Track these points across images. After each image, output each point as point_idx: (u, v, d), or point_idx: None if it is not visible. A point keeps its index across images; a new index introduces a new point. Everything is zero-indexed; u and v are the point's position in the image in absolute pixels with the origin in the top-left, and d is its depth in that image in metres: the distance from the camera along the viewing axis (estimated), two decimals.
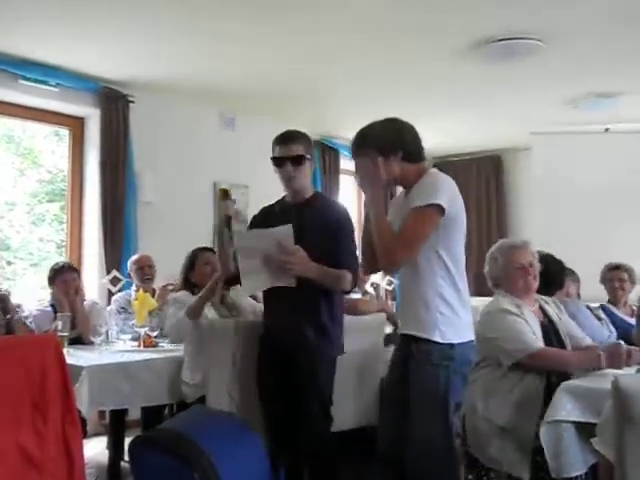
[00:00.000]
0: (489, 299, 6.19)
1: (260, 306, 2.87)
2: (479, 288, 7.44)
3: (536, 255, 2.71)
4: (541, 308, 2.69)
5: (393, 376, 2.21)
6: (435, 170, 2.19)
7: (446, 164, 7.99)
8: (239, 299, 3.32)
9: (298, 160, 2.43)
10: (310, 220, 2.44)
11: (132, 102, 5.06)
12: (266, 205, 2.66)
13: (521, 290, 2.64)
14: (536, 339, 2.48)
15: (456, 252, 2.17)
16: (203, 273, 3.22)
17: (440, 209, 2.06)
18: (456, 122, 6.35)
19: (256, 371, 2.50)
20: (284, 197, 2.59)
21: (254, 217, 2.64)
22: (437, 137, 6.98)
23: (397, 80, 5.06)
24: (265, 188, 2.59)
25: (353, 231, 2.53)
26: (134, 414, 3.80)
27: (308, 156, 2.50)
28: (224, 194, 2.46)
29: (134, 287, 4.20)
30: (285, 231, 2.26)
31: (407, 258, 2.05)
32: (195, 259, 3.26)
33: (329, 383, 2.44)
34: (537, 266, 2.69)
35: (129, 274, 4.34)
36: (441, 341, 2.06)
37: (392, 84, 5.14)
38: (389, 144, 2.14)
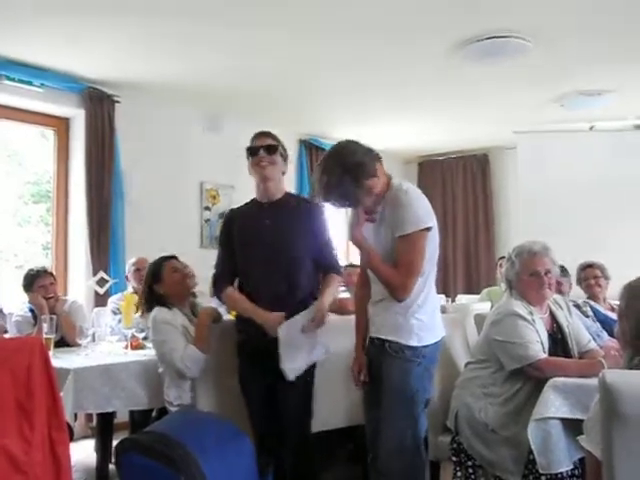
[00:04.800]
0: (476, 297, 6.18)
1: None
2: (468, 286, 7.56)
3: (555, 262, 2.66)
4: (552, 314, 2.68)
5: (369, 375, 2.27)
6: (399, 182, 2.22)
7: (432, 163, 8.05)
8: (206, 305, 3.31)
9: (271, 149, 2.48)
10: (287, 220, 2.46)
11: (117, 102, 5.02)
12: (235, 208, 2.65)
13: (534, 297, 2.61)
14: (541, 349, 2.48)
15: (431, 258, 2.22)
16: (172, 282, 2.96)
17: (427, 230, 2.14)
18: (442, 121, 6.36)
19: (239, 378, 2.50)
20: (254, 199, 2.58)
21: (230, 217, 2.59)
22: (423, 136, 7.00)
23: (382, 80, 5.05)
24: (251, 189, 2.56)
25: (327, 223, 2.57)
26: (122, 416, 3.77)
27: (282, 152, 2.55)
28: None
29: (131, 289, 4.18)
30: (309, 312, 2.36)
31: (414, 284, 2.12)
32: (161, 269, 3.00)
33: (309, 384, 2.47)
34: (555, 273, 2.66)
35: (126, 276, 4.33)
36: (416, 345, 2.15)
37: (377, 84, 5.14)
38: (354, 172, 2.11)
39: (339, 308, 3.53)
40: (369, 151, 2.20)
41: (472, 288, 7.31)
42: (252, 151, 2.48)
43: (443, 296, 6.47)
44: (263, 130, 2.56)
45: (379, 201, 2.21)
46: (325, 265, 2.50)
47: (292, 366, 2.30)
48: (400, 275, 2.09)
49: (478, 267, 7.66)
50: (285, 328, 2.32)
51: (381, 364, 2.17)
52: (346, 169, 2.11)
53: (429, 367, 2.19)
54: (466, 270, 7.76)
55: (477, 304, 4.82)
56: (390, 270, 2.12)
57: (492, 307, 3.79)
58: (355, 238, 2.20)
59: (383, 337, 2.18)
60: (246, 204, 2.62)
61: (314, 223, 2.50)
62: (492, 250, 7.59)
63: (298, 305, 2.39)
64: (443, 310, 4.53)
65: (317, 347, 2.38)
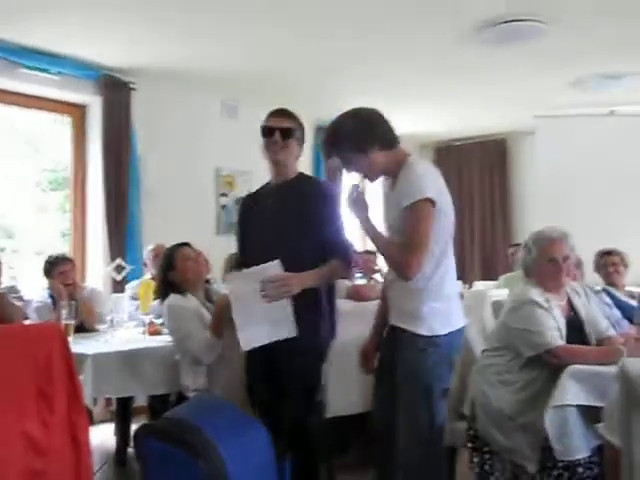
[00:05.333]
0: (493, 283, 6.15)
1: None
2: (485, 273, 7.52)
3: (573, 248, 2.61)
4: (569, 301, 2.66)
5: (383, 360, 2.26)
6: (415, 159, 2.15)
7: (449, 148, 7.98)
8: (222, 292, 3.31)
9: (287, 132, 2.39)
10: (292, 201, 2.38)
11: (134, 89, 5.02)
12: (251, 192, 2.62)
13: (552, 284, 2.58)
14: (559, 337, 2.46)
15: (445, 241, 2.15)
16: (186, 269, 2.96)
17: (430, 202, 2.05)
18: (459, 106, 6.30)
19: (245, 363, 2.48)
20: (269, 181, 2.52)
21: (243, 203, 2.59)
22: (440, 121, 6.95)
23: (399, 65, 5.01)
24: (268, 174, 2.55)
25: (339, 208, 2.42)
26: (140, 401, 3.81)
27: (298, 136, 2.46)
28: None
29: (149, 275, 4.22)
30: (273, 267, 2.17)
31: (423, 260, 2.02)
32: (174, 257, 2.99)
33: (317, 370, 2.40)
34: (573, 260, 2.62)
35: (145, 262, 4.36)
36: (427, 334, 2.10)
37: (395, 69, 5.10)
38: (364, 139, 2.10)
39: (355, 294, 3.53)
40: (386, 131, 2.16)
41: (489, 274, 7.27)
42: (266, 131, 2.39)
43: (460, 282, 6.43)
44: (282, 108, 2.44)
45: (393, 174, 2.15)
46: (331, 252, 2.36)
47: (245, 335, 2.12)
48: (404, 251, 2.00)
49: (495, 254, 7.60)
50: (235, 279, 2.15)
51: (394, 352, 2.15)
52: (367, 133, 2.09)
53: (445, 356, 2.13)
54: (483, 256, 7.71)
55: (494, 290, 4.79)
56: (393, 247, 2.06)
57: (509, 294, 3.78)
58: (358, 214, 2.12)
59: (395, 324, 2.18)
60: (262, 187, 2.58)
61: (324, 207, 2.37)
62: (509, 237, 7.52)
63: (297, 299, 2.23)
64: (460, 297, 4.53)
65: (285, 324, 2.17)
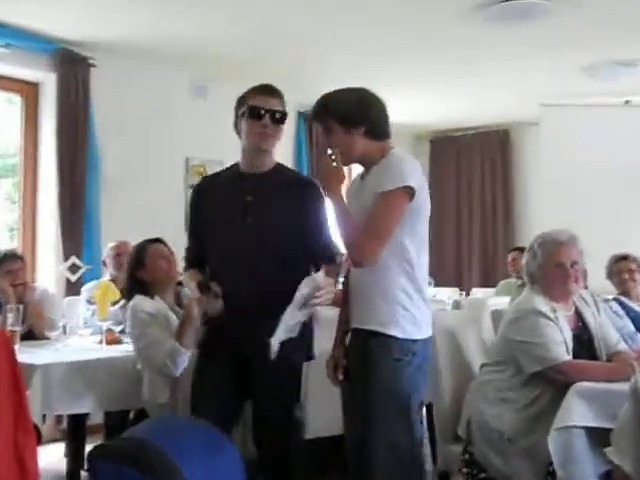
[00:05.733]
0: (492, 290, 6.18)
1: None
2: (484, 279, 7.58)
3: (582, 253, 2.64)
4: (577, 312, 2.68)
5: (350, 371, 2.24)
6: (398, 150, 2.21)
7: (446, 140, 8.03)
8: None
9: (280, 119, 2.38)
10: (278, 198, 2.36)
11: (93, 66, 4.98)
12: (208, 175, 2.58)
13: (558, 292, 2.60)
14: (565, 351, 2.48)
15: (421, 241, 2.19)
16: (156, 268, 2.94)
17: (410, 192, 2.09)
18: (458, 93, 6.34)
19: (195, 379, 2.44)
20: (235, 165, 2.44)
21: (201, 190, 2.46)
22: (437, 109, 6.98)
23: (393, 45, 5.02)
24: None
25: (325, 208, 2.42)
26: (96, 418, 3.78)
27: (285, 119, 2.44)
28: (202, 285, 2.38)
29: (108, 276, 4.18)
30: (320, 277, 2.22)
31: (379, 250, 2.06)
32: (144, 254, 2.97)
33: (295, 388, 2.43)
34: (582, 265, 2.64)
35: (104, 261, 4.33)
36: (402, 337, 2.12)
37: (387, 49, 5.11)
38: (353, 115, 2.17)
39: (339, 301, 3.53)
40: (379, 120, 2.22)
41: (489, 281, 7.32)
42: (255, 112, 2.34)
43: (457, 290, 6.48)
44: (270, 85, 2.41)
45: (368, 166, 2.21)
46: (319, 257, 2.38)
47: (276, 340, 2.18)
48: (364, 234, 2.05)
49: (495, 257, 7.66)
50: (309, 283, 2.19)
51: (366, 362, 2.15)
52: (358, 110, 2.17)
53: (421, 365, 2.17)
54: (482, 261, 7.77)
55: (494, 299, 4.83)
56: (355, 225, 2.08)
57: (510, 302, 3.81)
58: (331, 185, 2.14)
59: (364, 327, 2.16)
60: (224, 171, 2.49)
61: (310, 205, 2.38)
62: (511, 239, 7.58)
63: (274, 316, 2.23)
64: (457, 305, 4.57)
65: (296, 327, 2.25)
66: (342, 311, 2.38)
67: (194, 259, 2.49)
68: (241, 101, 2.41)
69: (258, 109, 2.34)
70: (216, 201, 2.40)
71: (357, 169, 2.33)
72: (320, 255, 2.40)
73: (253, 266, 2.32)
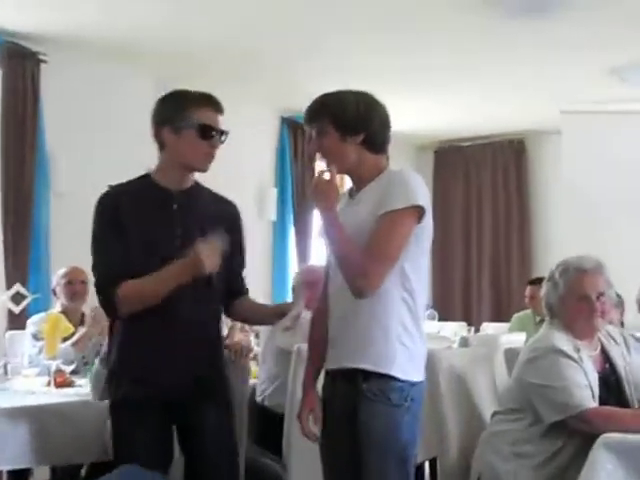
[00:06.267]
0: (505, 325, 6.17)
1: None
2: (496, 312, 7.58)
3: (610, 283, 2.63)
4: (603, 351, 2.68)
5: (334, 428, 2.20)
6: (399, 169, 2.22)
7: (453, 151, 8.08)
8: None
9: (223, 141, 2.43)
10: (205, 222, 2.38)
11: (44, 62, 4.99)
12: (118, 186, 2.47)
13: (582, 329, 2.60)
14: (590, 396, 2.47)
15: (421, 269, 2.20)
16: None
17: (420, 213, 2.12)
18: (467, 97, 6.40)
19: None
20: (149, 179, 2.43)
21: (116, 202, 2.41)
22: (443, 116, 7.03)
23: (391, 42, 5.06)
24: (215, 174, 2.52)
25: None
26: (41, 475, 3.74)
27: None
28: None
29: (59, 307, 4.17)
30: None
31: (385, 276, 2.07)
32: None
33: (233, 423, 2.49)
34: (610, 298, 2.64)
35: (53, 290, 4.31)
36: (401, 377, 2.11)
37: (385, 47, 5.15)
38: (351, 120, 2.19)
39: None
40: (381, 133, 2.26)
41: (502, 314, 7.33)
42: (205, 132, 2.37)
43: (464, 325, 6.48)
44: (217, 99, 2.44)
45: (360, 181, 2.23)
46: (241, 288, 2.54)
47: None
48: (366, 257, 2.05)
49: (509, 287, 7.69)
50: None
51: (356, 411, 2.11)
52: (358, 115, 2.20)
53: (417, 413, 2.16)
54: (494, 291, 7.78)
55: (508, 335, 4.83)
56: (357, 250, 2.08)
57: (527, 340, 3.81)
58: (326, 204, 2.15)
59: (355, 366, 2.13)
60: (136, 184, 2.44)
61: (239, 234, 2.51)
62: (527, 265, 7.63)
63: (209, 362, 2.39)
64: (464, 343, 4.56)
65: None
66: (312, 348, 2.36)
67: (116, 267, 2.34)
68: (178, 110, 2.38)
69: (209, 128, 2.37)
70: (139, 218, 2.37)
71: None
72: (241, 287, 2.53)
73: (190, 297, 2.33)
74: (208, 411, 2.37)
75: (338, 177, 2.23)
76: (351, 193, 2.27)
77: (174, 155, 2.39)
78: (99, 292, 2.37)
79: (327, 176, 2.18)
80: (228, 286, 2.46)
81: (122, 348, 2.37)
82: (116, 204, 2.40)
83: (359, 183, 2.24)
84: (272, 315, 2.45)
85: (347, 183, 2.37)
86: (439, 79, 5.92)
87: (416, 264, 2.16)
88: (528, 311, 5.74)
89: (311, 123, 2.25)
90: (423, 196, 2.12)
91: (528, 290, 5.76)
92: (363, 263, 2.05)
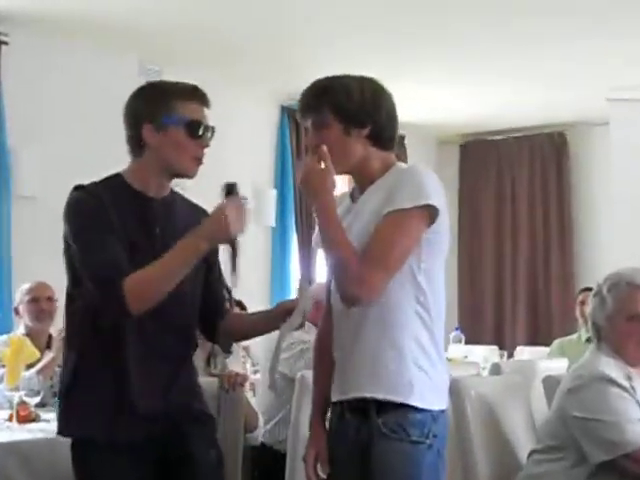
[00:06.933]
0: (545, 350, 6.16)
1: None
2: (533, 334, 7.55)
3: None
4: None
5: (343, 471, 2.21)
6: (409, 165, 2.24)
7: (482, 145, 8.08)
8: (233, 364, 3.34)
9: (214, 133, 2.41)
10: (185, 231, 2.34)
11: (4, 43, 5.02)
12: (94, 186, 2.41)
13: (634, 353, 2.60)
14: None
15: (436, 279, 2.19)
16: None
17: (431, 213, 2.10)
18: (499, 85, 6.42)
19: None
20: (119, 177, 2.42)
21: (99, 201, 2.34)
22: (469, 105, 7.03)
23: (408, 19, 5.08)
24: (202, 174, 2.53)
25: None
26: None
27: None
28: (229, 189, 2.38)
29: (22, 329, 4.18)
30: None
31: (385, 283, 2.07)
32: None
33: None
34: None
35: (16, 309, 4.32)
36: (421, 406, 2.09)
37: (401, 25, 5.16)
38: (357, 110, 2.18)
39: None
40: (389, 125, 2.24)
41: (539, 337, 7.32)
42: (194, 128, 2.35)
43: (496, 349, 6.46)
44: (202, 90, 2.46)
45: (364, 182, 2.24)
46: (220, 310, 2.51)
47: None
48: (366, 261, 2.05)
49: (548, 304, 7.68)
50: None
51: (368, 449, 2.11)
52: (365, 105, 2.19)
53: (441, 451, 2.14)
54: (531, 309, 7.76)
55: (547, 362, 4.82)
56: (354, 252, 2.08)
57: (569, 367, 3.80)
58: (321, 196, 2.17)
59: (365, 396, 2.12)
60: (110, 187, 2.41)
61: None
62: (570, 278, 7.62)
63: (185, 390, 2.39)
64: (496, 370, 4.55)
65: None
66: (319, 376, 2.37)
67: (118, 259, 2.27)
68: (161, 104, 2.36)
69: (198, 124, 2.35)
70: (117, 223, 2.37)
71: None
72: (220, 308, 2.50)
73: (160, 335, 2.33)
74: (193, 444, 2.35)
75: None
76: (353, 196, 2.27)
77: (156, 158, 2.35)
78: (102, 290, 2.25)
79: (322, 165, 2.17)
80: (209, 306, 2.45)
81: (78, 377, 2.35)
82: (101, 203, 2.34)
83: (363, 184, 2.24)
84: (275, 317, 2.37)
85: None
86: (465, 65, 5.93)
87: (430, 274, 2.16)
88: (574, 336, 5.73)
89: (308, 114, 2.24)
90: (436, 195, 2.11)
91: (579, 298, 5.75)
92: (359, 268, 2.04)
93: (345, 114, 2.18)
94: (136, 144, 2.37)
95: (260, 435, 3.57)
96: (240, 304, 3.92)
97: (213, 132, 2.39)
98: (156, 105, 2.34)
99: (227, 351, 3.68)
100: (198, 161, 2.36)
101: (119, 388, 2.29)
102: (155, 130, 2.32)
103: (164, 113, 2.32)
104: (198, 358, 3.63)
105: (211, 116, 2.39)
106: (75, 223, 2.35)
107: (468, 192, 8.05)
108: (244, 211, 2.23)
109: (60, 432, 2.38)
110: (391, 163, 2.23)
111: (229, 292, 3.44)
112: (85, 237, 2.30)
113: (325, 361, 2.31)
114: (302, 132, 6.57)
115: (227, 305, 2.56)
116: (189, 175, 2.38)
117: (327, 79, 2.26)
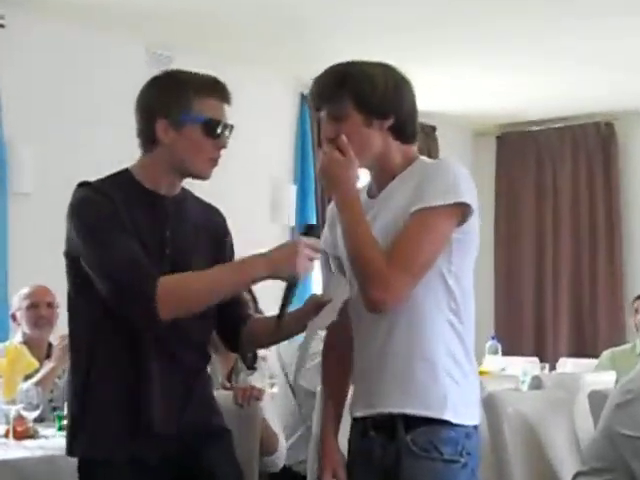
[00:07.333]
0: (592, 362, 6.16)
1: None
2: (577, 345, 7.52)
3: None
4: None
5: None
6: (438, 159, 2.27)
7: (521, 137, 8.06)
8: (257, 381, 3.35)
9: (228, 134, 2.40)
10: (200, 237, 2.43)
11: (1, 26, 5.04)
12: (103, 184, 2.48)
13: None
14: None
15: (467, 284, 2.20)
16: None
17: (463, 212, 2.11)
18: (540, 71, 6.39)
19: None
20: (127, 174, 2.42)
21: (110, 199, 2.33)
22: (506, 93, 7.00)
23: (442, 3, 5.08)
24: (215, 169, 2.54)
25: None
26: None
27: None
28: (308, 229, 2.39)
29: (20, 337, 4.20)
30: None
31: (411, 287, 2.07)
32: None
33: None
34: None
35: (13, 315, 4.34)
36: (454, 422, 2.09)
37: (432, 4, 5.16)
38: (380, 99, 2.18)
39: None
40: (411, 117, 2.25)
41: (585, 348, 7.29)
42: (212, 127, 2.35)
43: (536, 361, 6.44)
44: (223, 83, 2.42)
45: (384, 177, 2.24)
46: (242, 316, 2.50)
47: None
48: (391, 262, 2.05)
49: (594, 312, 7.64)
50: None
51: (395, 471, 2.11)
52: (388, 94, 2.19)
53: (476, 471, 2.15)
54: (575, 317, 7.73)
55: (593, 375, 4.80)
56: (378, 250, 2.09)
57: (618, 380, 3.78)
58: (344, 184, 2.17)
59: (396, 411, 2.12)
60: (119, 183, 2.41)
61: (230, 249, 2.51)
62: (618, 282, 7.57)
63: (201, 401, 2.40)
64: (537, 384, 4.54)
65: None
66: (330, 393, 2.38)
67: (141, 260, 2.28)
68: (178, 98, 2.36)
69: (217, 123, 2.35)
70: (128, 223, 2.37)
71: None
72: (242, 315, 2.49)
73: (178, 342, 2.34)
74: (209, 460, 2.37)
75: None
76: (371, 192, 2.27)
77: (169, 156, 2.35)
78: (126, 293, 2.21)
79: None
80: (230, 312, 2.45)
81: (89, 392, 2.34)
82: (110, 201, 2.32)
83: (384, 179, 2.24)
84: (306, 313, 2.33)
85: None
86: (501, 47, 5.91)
87: (460, 277, 2.16)
88: (627, 346, 5.71)
89: (324, 103, 2.23)
90: (469, 192, 2.11)
91: (635, 304, 5.74)
92: (385, 270, 2.05)
93: (367, 104, 2.18)
94: (147, 139, 2.36)
95: (281, 460, 3.53)
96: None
97: (231, 130, 2.38)
98: (172, 99, 2.33)
99: (251, 367, 3.69)
100: (214, 162, 2.37)
101: (136, 405, 2.29)
102: (170, 126, 2.31)
103: (181, 109, 2.31)
104: (219, 374, 3.65)
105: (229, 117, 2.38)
106: (85, 223, 2.32)
107: (506, 188, 8.02)
108: (315, 256, 2.23)
109: (70, 453, 2.36)
110: (413, 156, 2.24)
111: (255, 301, 3.45)
112: (100, 237, 2.27)
113: (338, 367, 2.33)
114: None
115: (249, 310, 2.58)
116: (203, 177, 2.39)
117: (344, 65, 2.26)
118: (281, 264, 2.17)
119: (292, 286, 2.22)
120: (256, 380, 3.54)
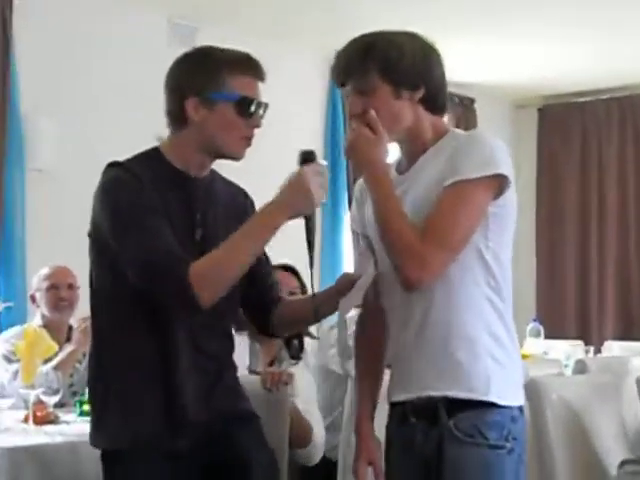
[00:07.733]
0: (637, 345, 6.14)
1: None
2: (625, 327, 7.48)
3: None
4: None
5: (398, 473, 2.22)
6: (472, 131, 2.25)
7: (565, 108, 8.00)
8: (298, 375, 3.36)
9: (262, 113, 2.40)
10: (226, 213, 2.44)
11: None
12: (132, 165, 2.47)
13: None
14: None
15: (505, 260, 2.19)
16: None
17: (500, 184, 2.10)
18: (585, 38, 6.33)
19: None
20: (157, 154, 2.43)
21: (139, 181, 2.34)
22: (549, 62, 6.95)
23: None
24: (255, 140, 2.54)
25: None
26: None
27: None
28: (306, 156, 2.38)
29: (39, 319, 4.23)
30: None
31: (447, 264, 2.08)
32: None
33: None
34: None
35: (32, 297, 4.37)
36: (500, 403, 2.08)
37: None
38: (409, 69, 2.17)
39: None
40: (440, 87, 2.25)
41: (632, 330, 7.25)
42: (245, 106, 2.35)
43: (580, 344, 6.42)
44: (256, 60, 2.42)
45: (414, 152, 2.24)
46: (273, 300, 2.52)
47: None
48: (426, 238, 2.05)
49: None
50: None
51: (439, 457, 2.11)
52: (417, 64, 2.18)
53: (522, 456, 2.14)
54: (621, 298, 7.70)
55: None
56: (411, 225, 2.09)
57: None
58: (374, 157, 2.17)
59: (438, 394, 2.12)
60: (147, 162, 2.41)
61: None
62: None
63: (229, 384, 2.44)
64: (581, 368, 4.52)
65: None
66: (364, 375, 2.38)
67: (174, 248, 2.29)
68: (210, 75, 2.35)
69: (251, 101, 2.35)
70: (160, 206, 2.36)
71: None
72: (273, 298, 2.52)
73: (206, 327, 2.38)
74: (240, 445, 2.39)
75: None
76: (400, 168, 2.27)
77: (201, 136, 2.35)
78: (162, 282, 2.23)
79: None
80: (261, 293, 2.48)
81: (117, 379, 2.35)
82: (143, 181, 2.33)
83: (414, 153, 2.24)
84: (339, 291, 2.35)
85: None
86: (542, 13, 5.83)
87: (498, 253, 2.16)
88: None
89: (350, 78, 2.22)
90: (505, 164, 2.11)
91: None
92: (419, 246, 2.04)
93: (396, 74, 2.17)
94: (177, 118, 2.37)
95: (317, 453, 3.50)
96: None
97: (266, 109, 2.38)
98: (204, 77, 2.34)
99: (296, 356, 3.69)
100: (247, 142, 2.37)
101: (168, 393, 2.31)
102: (201, 105, 2.31)
103: (213, 87, 2.32)
104: (260, 362, 3.64)
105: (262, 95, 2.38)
106: (117, 205, 2.31)
107: (548, 164, 7.97)
108: (325, 179, 2.24)
109: (95, 444, 2.38)
110: (444, 129, 2.24)
111: (303, 290, 3.46)
112: (132, 221, 2.27)
113: (374, 348, 2.33)
114: None
115: (280, 292, 2.58)
116: (236, 157, 2.40)
117: (367, 36, 2.24)
118: (298, 203, 2.21)
119: (311, 217, 2.27)
120: (298, 370, 3.52)
